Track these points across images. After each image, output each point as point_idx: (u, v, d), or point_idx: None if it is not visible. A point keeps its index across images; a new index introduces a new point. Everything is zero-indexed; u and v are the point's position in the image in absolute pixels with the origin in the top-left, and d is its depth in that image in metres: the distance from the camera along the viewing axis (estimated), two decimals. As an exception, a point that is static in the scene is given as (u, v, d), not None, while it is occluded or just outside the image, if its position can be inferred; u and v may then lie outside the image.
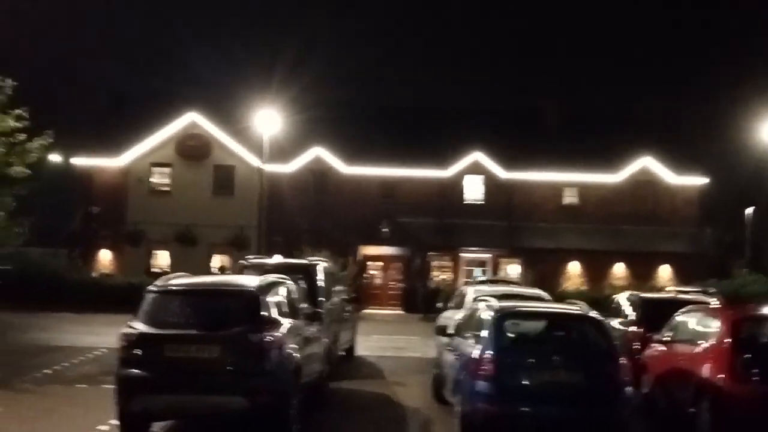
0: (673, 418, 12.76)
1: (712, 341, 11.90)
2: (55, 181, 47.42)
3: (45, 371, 16.06)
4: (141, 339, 10.20)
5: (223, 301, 10.89)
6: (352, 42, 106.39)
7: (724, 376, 11.23)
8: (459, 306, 17.96)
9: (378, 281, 40.78)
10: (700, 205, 41.94)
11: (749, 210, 40.40)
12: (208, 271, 34.81)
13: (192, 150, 40.76)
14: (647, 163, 41.33)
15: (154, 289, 10.84)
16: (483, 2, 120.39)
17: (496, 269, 40.27)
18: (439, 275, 41.12)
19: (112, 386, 10.44)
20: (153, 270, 37.49)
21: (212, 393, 10.06)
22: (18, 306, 30.15)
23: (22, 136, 17.69)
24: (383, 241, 39.38)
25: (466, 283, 28.31)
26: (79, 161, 41.20)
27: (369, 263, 40.65)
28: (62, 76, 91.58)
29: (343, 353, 18.82)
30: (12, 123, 17.39)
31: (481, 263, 40.94)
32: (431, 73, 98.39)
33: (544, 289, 20.45)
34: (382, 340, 24.31)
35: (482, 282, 23.81)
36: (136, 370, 10.14)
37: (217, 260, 39.78)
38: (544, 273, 38.52)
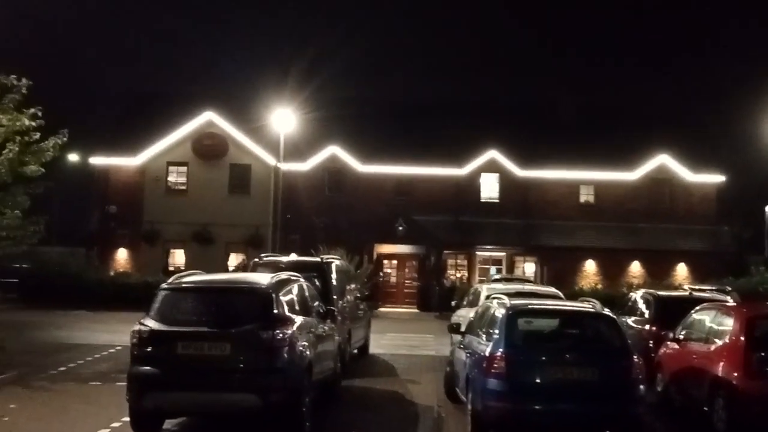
0: (688, 415, 12.71)
1: (726, 339, 11.85)
2: (73, 181, 47.92)
3: (60, 369, 16.18)
4: (153, 336, 10.23)
5: (235, 298, 10.88)
6: (368, 40, 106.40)
7: (738, 373, 11.19)
8: (473, 304, 17.97)
9: (393, 279, 40.76)
10: (717, 203, 41.63)
11: (767, 207, 40.18)
12: (225, 270, 34.90)
13: (208, 149, 40.84)
14: (664, 161, 41.05)
15: (167, 286, 10.88)
16: None
17: (511, 267, 40.17)
18: (455, 273, 41.08)
19: (125, 383, 10.47)
20: (169, 269, 37.68)
21: (224, 390, 10.06)
22: (35, 305, 30.50)
23: (37, 135, 17.77)
24: (398, 240, 39.32)
25: (481, 282, 28.28)
26: (96, 160, 41.40)
27: (384, 261, 40.64)
28: (80, 75, 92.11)
29: (357, 351, 18.85)
30: (27, 122, 17.46)
31: (497, 261, 40.84)
32: (447, 71, 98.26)
33: (559, 288, 20.41)
34: (397, 338, 24.32)
35: (497, 280, 23.78)
36: (148, 368, 10.17)
37: (233, 259, 39.88)
38: (559, 271, 38.45)
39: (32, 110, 17.76)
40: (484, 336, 11.50)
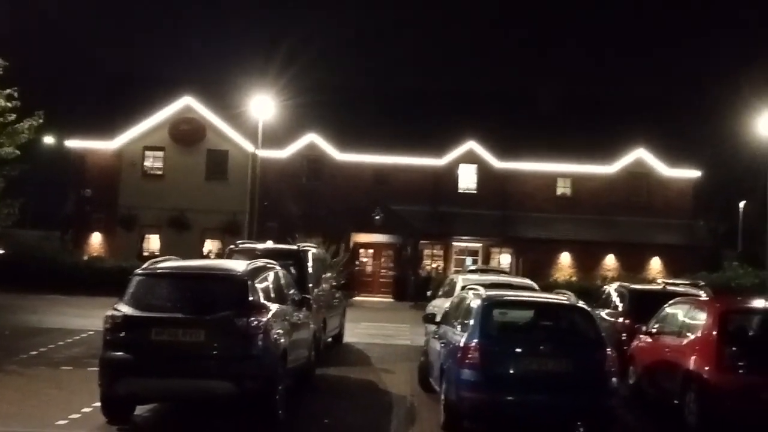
0: (660, 408, 12.80)
1: (699, 333, 11.94)
2: (48, 164, 47.47)
3: (32, 353, 16.05)
4: (126, 322, 10.14)
5: (210, 285, 10.83)
6: (347, 26, 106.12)
7: (710, 367, 11.29)
8: (449, 294, 18.00)
9: (369, 268, 40.75)
10: (693, 198, 41.95)
11: (742, 203, 40.59)
12: (200, 256, 34.74)
13: (185, 134, 40.56)
14: (641, 155, 41.28)
15: (141, 272, 10.80)
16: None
17: (487, 258, 40.29)
18: (431, 263, 41.15)
19: (97, 369, 10.38)
20: (144, 254, 37.42)
21: (198, 377, 10.02)
22: (8, 288, 30.17)
23: (12, 117, 17.61)
24: (375, 229, 39.30)
25: (457, 272, 28.34)
26: (72, 143, 41.01)
27: (361, 250, 40.63)
28: (57, 58, 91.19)
29: (332, 340, 18.84)
30: (2, 103, 17.30)
31: (473, 252, 40.95)
32: (428, 61, 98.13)
33: (535, 279, 20.51)
34: (371, 327, 24.33)
35: (472, 271, 23.83)
36: (121, 353, 10.09)
37: (209, 245, 39.74)
38: (535, 263, 38.60)
39: (8, 91, 17.61)
40: (459, 326, 11.51)
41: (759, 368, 11.02)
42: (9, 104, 17.45)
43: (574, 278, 37.81)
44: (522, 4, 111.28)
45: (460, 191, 41.42)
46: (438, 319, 13.49)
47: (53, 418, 10.74)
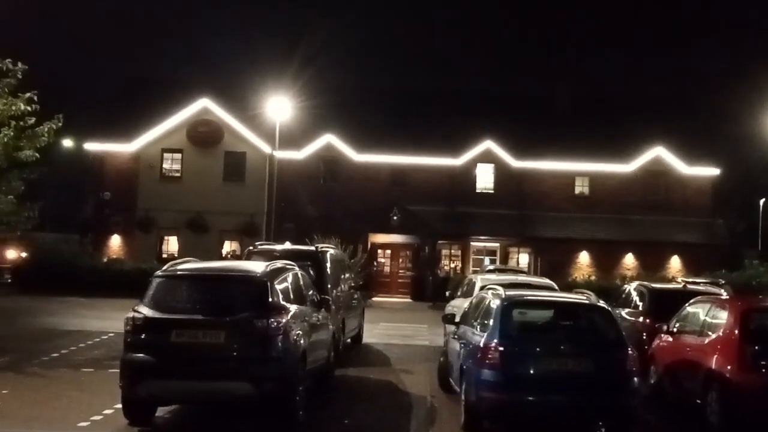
0: (681, 408, 12.73)
1: (720, 332, 11.86)
2: (67, 167, 47.76)
3: (53, 355, 16.14)
4: (147, 323, 10.17)
5: (230, 286, 10.84)
6: (365, 29, 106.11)
7: (732, 366, 11.21)
8: (468, 294, 17.97)
9: (387, 269, 40.75)
10: (712, 196, 41.68)
11: (762, 200, 40.29)
12: (219, 258, 34.81)
13: (203, 136, 40.68)
14: (659, 153, 41.06)
15: (161, 274, 10.84)
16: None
17: (505, 258, 40.21)
18: (449, 264, 41.11)
19: (118, 370, 10.43)
20: (163, 256, 37.60)
21: (218, 379, 10.03)
22: (29, 291, 30.42)
23: (32, 120, 17.72)
24: (393, 229, 39.28)
25: (475, 272, 28.29)
26: (91, 146, 41.20)
27: (378, 251, 40.63)
28: (76, 61, 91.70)
29: (351, 340, 18.85)
30: (22, 106, 17.42)
31: (491, 252, 40.87)
32: (445, 61, 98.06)
33: (553, 279, 20.42)
34: (390, 327, 24.31)
35: (491, 271, 23.77)
36: (142, 355, 10.12)
37: (227, 247, 39.86)
38: (553, 262, 38.49)
39: (27, 95, 17.71)
40: (478, 327, 11.47)
41: (782, 367, 10.93)
42: (28, 108, 17.56)
43: (593, 277, 37.68)
44: (538, 6, 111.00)
45: (477, 191, 41.35)
46: (457, 319, 13.45)
47: (75, 419, 10.79)
